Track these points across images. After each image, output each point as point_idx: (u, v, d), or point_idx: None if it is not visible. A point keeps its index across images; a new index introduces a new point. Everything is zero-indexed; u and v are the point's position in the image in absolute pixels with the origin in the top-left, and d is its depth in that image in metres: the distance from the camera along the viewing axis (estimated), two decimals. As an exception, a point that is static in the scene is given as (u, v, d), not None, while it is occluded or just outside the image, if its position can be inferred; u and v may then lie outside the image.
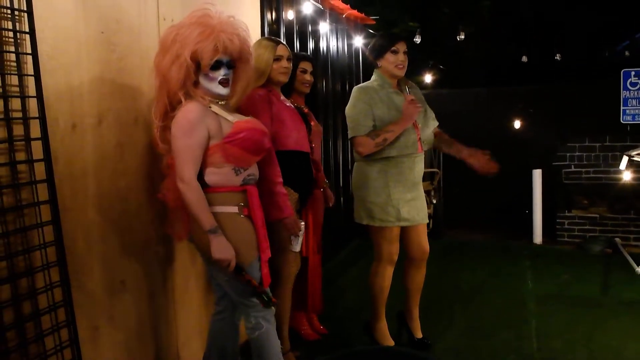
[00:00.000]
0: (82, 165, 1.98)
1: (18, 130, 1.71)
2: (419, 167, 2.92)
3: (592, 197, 5.79)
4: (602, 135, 5.63)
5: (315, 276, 3.24)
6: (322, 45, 4.83)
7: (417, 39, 6.28)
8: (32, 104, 1.74)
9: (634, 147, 4.84)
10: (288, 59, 2.73)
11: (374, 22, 5.71)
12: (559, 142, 5.83)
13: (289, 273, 2.81)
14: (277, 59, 2.69)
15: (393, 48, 2.84)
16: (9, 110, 1.68)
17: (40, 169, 1.76)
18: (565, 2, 7.33)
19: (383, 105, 2.84)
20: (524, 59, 7.10)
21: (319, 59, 4.76)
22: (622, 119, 5.50)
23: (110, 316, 2.13)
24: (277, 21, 3.95)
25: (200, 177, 2.07)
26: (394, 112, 2.82)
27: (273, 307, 2.21)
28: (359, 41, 5.44)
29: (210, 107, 2.09)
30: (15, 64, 1.69)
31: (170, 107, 2.09)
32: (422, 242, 2.97)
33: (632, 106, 5.47)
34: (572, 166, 5.76)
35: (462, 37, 6.44)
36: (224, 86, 2.11)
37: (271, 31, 3.79)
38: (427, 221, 3.02)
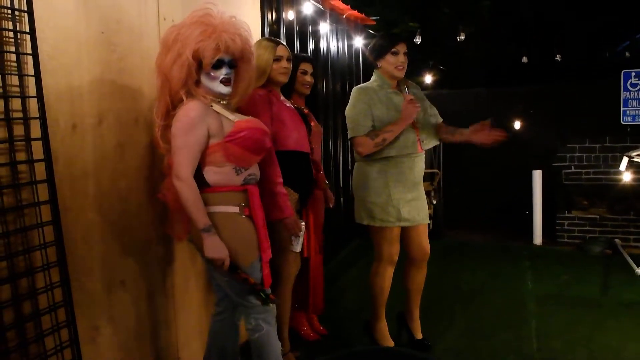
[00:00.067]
0: (83, 166, 1.98)
1: (18, 130, 1.71)
2: (419, 167, 2.93)
3: (592, 198, 5.78)
4: (602, 136, 5.63)
5: (317, 276, 3.24)
6: (322, 45, 4.83)
7: (417, 40, 6.28)
8: (33, 104, 1.74)
9: (634, 148, 4.84)
10: (288, 60, 2.74)
11: (374, 23, 5.70)
12: (559, 142, 5.82)
13: (289, 273, 2.81)
14: (277, 59, 2.70)
15: (393, 49, 2.84)
16: (10, 111, 1.68)
17: (40, 169, 1.76)
18: (565, 2, 7.33)
19: (382, 105, 2.84)
20: (524, 59, 7.09)
21: (319, 60, 4.75)
22: (622, 120, 5.49)
23: (110, 316, 2.13)
24: (278, 21, 3.95)
25: (201, 176, 2.07)
26: (393, 112, 2.83)
27: (272, 305, 2.20)
28: (359, 42, 5.43)
29: (211, 106, 2.09)
30: (15, 64, 1.69)
31: (172, 106, 2.09)
32: (423, 242, 2.97)
33: (632, 107, 5.46)
34: (572, 167, 5.75)
35: (462, 37, 6.44)
36: (226, 85, 2.11)
37: (271, 31, 3.79)
38: (428, 221, 3.02)
